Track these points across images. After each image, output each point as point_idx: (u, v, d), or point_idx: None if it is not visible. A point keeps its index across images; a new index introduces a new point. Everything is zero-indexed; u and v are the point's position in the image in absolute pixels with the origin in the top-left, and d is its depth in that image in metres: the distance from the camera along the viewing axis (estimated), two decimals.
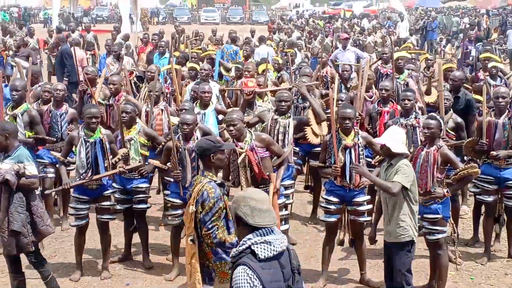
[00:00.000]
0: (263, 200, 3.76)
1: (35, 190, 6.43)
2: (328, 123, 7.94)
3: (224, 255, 5.36)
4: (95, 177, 7.17)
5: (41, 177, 8.53)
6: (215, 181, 5.35)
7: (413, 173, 6.18)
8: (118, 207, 7.87)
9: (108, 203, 7.47)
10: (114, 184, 7.78)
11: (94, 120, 7.23)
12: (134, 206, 7.72)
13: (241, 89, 8.66)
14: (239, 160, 6.70)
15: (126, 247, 7.99)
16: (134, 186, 7.64)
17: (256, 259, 3.63)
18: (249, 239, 3.68)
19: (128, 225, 7.92)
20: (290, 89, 8.97)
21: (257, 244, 3.65)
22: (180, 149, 7.16)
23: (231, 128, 6.69)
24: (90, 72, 9.90)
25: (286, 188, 7.70)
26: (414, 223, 6.18)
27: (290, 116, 7.85)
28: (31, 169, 6.29)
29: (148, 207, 7.84)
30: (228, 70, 12.74)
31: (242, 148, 6.72)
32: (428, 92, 9.99)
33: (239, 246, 3.69)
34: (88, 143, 7.19)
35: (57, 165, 7.82)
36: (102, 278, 7.41)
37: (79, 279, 7.38)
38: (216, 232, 5.23)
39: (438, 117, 6.83)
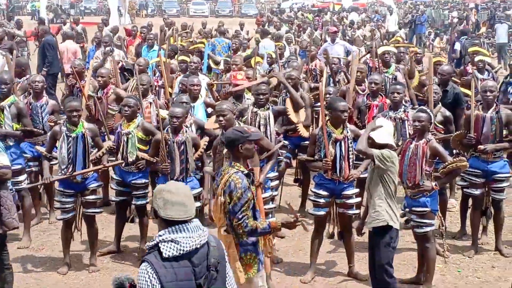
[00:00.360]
0: (178, 193, 3.67)
1: (6, 181, 6.35)
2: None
3: (249, 247, 5.31)
4: (75, 173, 7.12)
5: (28, 171, 8.55)
6: (242, 172, 5.24)
7: (395, 159, 6.19)
8: (113, 198, 7.87)
9: (93, 196, 7.43)
10: (113, 176, 7.76)
11: (75, 113, 7.15)
12: (133, 202, 7.72)
13: (230, 83, 8.66)
14: (226, 150, 6.66)
15: (116, 239, 7.97)
16: (133, 182, 7.62)
17: (161, 257, 3.57)
18: (159, 235, 3.63)
19: (120, 217, 7.90)
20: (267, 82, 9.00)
21: (164, 242, 3.59)
22: (169, 142, 7.14)
23: (221, 118, 6.67)
24: (77, 65, 9.86)
25: (271, 180, 7.69)
26: (392, 211, 6.16)
27: (269, 108, 7.83)
28: (3, 159, 6.22)
29: (147, 202, 7.83)
30: (217, 63, 12.74)
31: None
32: (411, 75, 10.04)
33: (151, 241, 3.66)
34: (70, 138, 7.14)
35: (41, 159, 7.75)
36: (90, 271, 7.39)
37: (67, 272, 7.36)
38: (247, 221, 5.14)
39: (428, 110, 6.85)
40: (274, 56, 12.76)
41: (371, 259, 6.40)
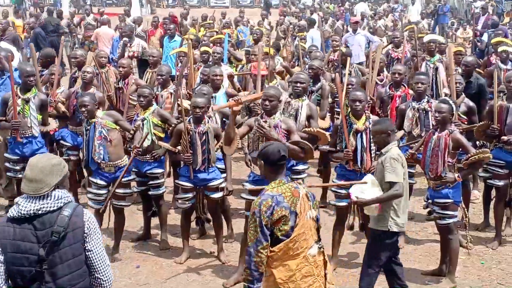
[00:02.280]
0: (34, 169, 3.89)
1: None
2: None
3: None
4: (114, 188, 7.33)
5: (65, 159, 8.70)
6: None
7: (403, 163, 6.00)
8: (135, 189, 7.94)
9: (123, 190, 7.49)
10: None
11: (83, 109, 7.30)
12: (150, 192, 7.77)
13: (250, 73, 8.64)
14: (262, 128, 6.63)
15: (145, 227, 8.09)
16: (149, 172, 7.66)
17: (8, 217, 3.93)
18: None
19: (147, 206, 7.97)
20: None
21: (14, 204, 3.94)
22: (191, 132, 7.15)
23: (267, 103, 6.65)
24: (79, 56, 9.95)
25: (298, 173, 7.65)
26: (398, 214, 5.99)
27: (304, 100, 7.79)
28: None
29: (164, 191, 7.87)
30: (239, 60, 12.70)
31: (266, 122, 6.68)
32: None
33: None
34: (87, 131, 7.34)
35: (80, 148, 7.93)
36: (113, 260, 7.43)
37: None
38: None
39: (450, 101, 6.77)
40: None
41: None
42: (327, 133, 7.49)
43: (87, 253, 3.99)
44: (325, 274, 4.78)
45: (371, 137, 6.64)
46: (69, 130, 8.84)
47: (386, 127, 6.07)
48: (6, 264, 3.87)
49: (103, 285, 4.08)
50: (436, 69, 10.03)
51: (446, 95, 9.05)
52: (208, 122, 7.25)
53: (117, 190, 7.37)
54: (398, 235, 6.18)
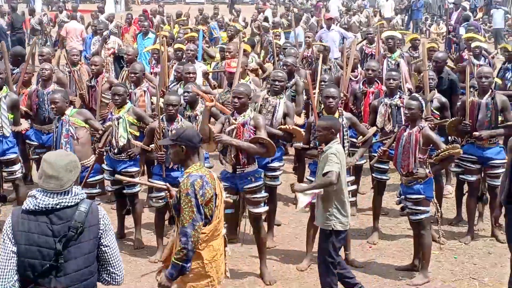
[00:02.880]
0: (54, 166, 3.88)
1: None
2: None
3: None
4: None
5: (35, 158, 8.69)
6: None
7: (342, 160, 6.09)
8: (109, 188, 7.90)
9: (93, 190, 7.46)
10: (104, 166, 7.77)
11: (53, 106, 7.28)
12: (124, 190, 7.73)
13: (224, 70, 8.62)
14: (228, 129, 6.64)
15: (119, 226, 8.03)
16: (124, 170, 7.61)
17: (23, 209, 3.89)
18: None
19: (121, 205, 7.92)
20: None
21: (29, 197, 3.92)
22: (164, 131, 7.12)
23: (236, 100, 6.64)
24: (46, 53, 9.88)
25: (273, 170, 7.66)
26: (342, 212, 6.08)
27: (282, 97, 7.79)
28: None
29: (138, 190, 7.82)
30: (212, 57, 12.67)
31: (235, 120, 6.67)
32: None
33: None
34: (56, 128, 7.31)
35: (48, 147, 7.84)
36: None
37: None
38: None
39: (420, 98, 6.82)
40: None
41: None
42: (302, 130, 7.50)
43: (104, 248, 4.01)
44: (225, 251, 5.02)
45: (315, 131, 6.63)
46: (33, 128, 8.74)
47: (332, 124, 6.15)
48: (19, 256, 3.83)
49: (116, 280, 4.12)
50: (398, 65, 10.08)
51: (409, 90, 9.09)
52: (181, 120, 7.22)
53: (85, 190, 7.30)
54: (344, 234, 6.25)
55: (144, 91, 8.61)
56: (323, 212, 6.12)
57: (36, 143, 8.75)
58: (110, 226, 4.07)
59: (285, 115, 7.71)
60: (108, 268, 4.08)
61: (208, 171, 4.86)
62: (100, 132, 7.44)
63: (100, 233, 3.99)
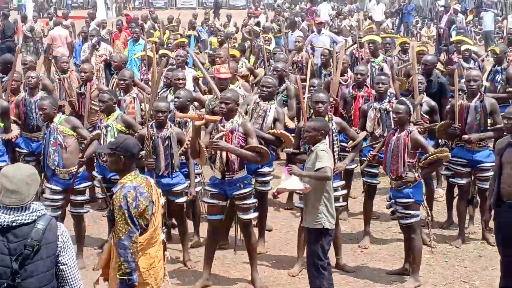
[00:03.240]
0: (14, 180, 3.84)
1: None
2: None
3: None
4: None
5: None
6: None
7: (330, 157, 6.24)
8: (99, 195, 7.86)
9: (80, 198, 7.43)
10: (94, 173, 7.75)
11: (41, 112, 7.24)
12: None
13: (213, 76, 8.60)
14: (216, 136, 6.63)
15: (110, 234, 7.95)
16: (114, 177, 7.58)
17: None
18: None
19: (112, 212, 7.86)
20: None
21: None
22: (154, 137, 7.11)
23: (223, 105, 6.63)
24: (29, 61, 9.86)
25: (264, 175, 7.66)
26: (330, 211, 6.17)
27: (273, 103, 7.78)
28: None
29: None
30: (201, 63, 12.64)
31: (224, 127, 6.66)
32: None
33: None
34: (45, 135, 7.28)
35: (37, 154, 7.83)
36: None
37: None
38: None
39: (407, 102, 6.83)
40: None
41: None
42: (291, 136, 7.50)
43: (61, 266, 3.96)
44: (164, 255, 5.06)
45: (305, 132, 6.63)
46: (23, 136, 8.70)
47: (322, 126, 6.28)
48: None
49: None
50: (381, 69, 10.08)
51: (390, 94, 9.06)
52: (171, 127, 7.21)
53: (73, 197, 7.30)
54: (332, 234, 6.33)
55: (134, 98, 8.59)
56: (313, 210, 6.16)
57: (26, 151, 8.72)
58: (69, 243, 4.01)
59: (275, 120, 7.71)
60: (65, 286, 4.02)
61: (145, 179, 4.87)
62: (88, 140, 7.40)
63: (58, 251, 3.94)
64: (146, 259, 4.80)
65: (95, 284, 5.07)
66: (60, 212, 7.31)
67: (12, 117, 8.59)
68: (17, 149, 8.78)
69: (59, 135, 7.18)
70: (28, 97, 8.66)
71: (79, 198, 7.41)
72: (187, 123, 7.63)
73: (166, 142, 7.11)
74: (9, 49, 17.32)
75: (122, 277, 4.66)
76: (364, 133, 7.68)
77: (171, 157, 7.14)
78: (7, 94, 8.80)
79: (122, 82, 8.62)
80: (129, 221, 4.63)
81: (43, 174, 7.52)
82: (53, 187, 7.30)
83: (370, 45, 10.61)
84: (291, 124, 8.57)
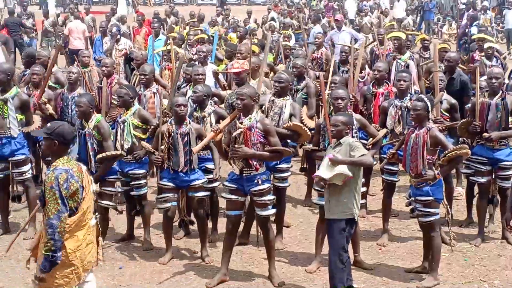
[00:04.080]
0: None
1: None
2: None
3: None
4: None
5: (47, 160, 8.73)
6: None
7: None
8: (119, 189, 7.92)
9: (110, 188, 7.48)
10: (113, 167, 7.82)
11: (77, 109, 7.30)
12: (132, 192, 7.76)
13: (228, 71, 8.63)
14: (234, 133, 6.65)
15: (128, 227, 8.06)
16: (131, 173, 7.64)
17: None
18: None
19: (130, 206, 7.94)
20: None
21: None
22: (173, 134, 7.13)
23: (238, 101, 6.62)
24: (43, 56, 9.90)
25: (282, 171, 7.65)
26: (357, 202, 6.31)
27: (288, 99, 7.78)
28: None
29: (146, 192, 7.85)
30: (220, 59, 12.66)
31: (242, 123, 6.66)
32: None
33: None
34: (79, 133, 7.29)
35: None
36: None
37: None
38: None
39: (425, 99, 6.78)
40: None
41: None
42: (304, 127, 7.53)
43: None
44: (98, 241, 5.25)
45: (324, 133, 6.77)
46: None
47: (351, 121, 6.45)
48: None
49: None
50: (407, 67, 10.02)
51: (416, 92, 9.03)
52: (190, 123, 7.21)
53: (103, 188, 7.37)
54: (355, 221, 6.42)
55: (154, 93, 8.63)
56: (343, 201, 6.20)
57: None
58: None
59: (291, 116, 7.71)
60: None
61: (77, 164, 5.08)
62: (109, 154, 7.29)
63: None
64: (74, 241, 4.99)
65: (27, 264, 5.31)
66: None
67: (51, 110, 8.65)
68: None
69: (94, 141, 7.25)
70: (67, 92, 8.71)
71: (109, 189, 7.46)
72: (205, 118, 7.63)
73: (186, 139, 7.13)
74: (14, 43, 17.50)
75: (46, 253, 4.85)
76: (384, 130, 7.65)
77: (190, 154, 7.15)
78: (42, 88, 8.80)
79: (142, 77, 8.68)
80: (59, 201, 4.83)
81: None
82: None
83: (395, 41, 10.54)
84: (311, 123, 8.54)
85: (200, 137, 7.21)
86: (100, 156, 7.24)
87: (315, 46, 12.48)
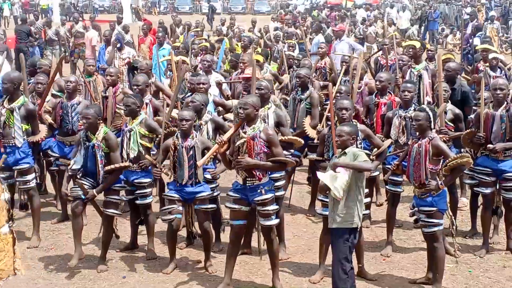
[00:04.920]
0: None
1: None
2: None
3: None
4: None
5: (54, 169, 8.89)
6: None
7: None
8: (124, 198, 7.92)
9: (115, 197, 7.46)
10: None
11: (84, 121, 7.25)
12: (137, 201, 7.76)
13: (240, 81, 8.63)
14: (238, 143, 6.65)
15: (132, 236, 8.04)
16: (136, 181, 7.64)
17: None
18: None
19: (134, 215, 7.94)
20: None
21: None
22: (178, 147, 7.12)
23: (241, 111, 6.62)
24: (44, 65, 9.91)
25: (275, 180, 7.62)
26: (360, 212, 6.30)
27: (270, 107, 7.77)
28: None
29: (151, 201, 7.84)
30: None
31: (245, 133, 6.66)
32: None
33: None
34: (85, 145, 7.27)
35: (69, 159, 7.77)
36: (99, 270, 7.39)
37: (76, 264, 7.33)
38: None
39: (427, 109, 6.79)
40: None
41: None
42: (299, 139, 7.64)
43: None
44: (14, 250, 5.11)
45: (329, 143, 6.76)
46: (56, 140, 8.77)
47: (354, 131, 6.43)
48: None
49: None
50: (420, 76, 10.01)
51: (428, 103, 9.04)
52: (196, 136, 7.21)
53: (108, 196, 7.37)
54: (358, 230, 6.41)
55: (146, 103, 8.58)
56: (346, 210, 6.21)
57: (57, 155, 8.73)
58: None
59: (278, 124, 7.71)
60: None
61: None
62: (117, 166, 7.30)
63: None
64: None
65: None
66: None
67: (49, 120, 8.66)
68: (49, 152, 8.81)
69: (103, 153, 7.24)
70: (66, 100, 8.73)
71: (114, 197, 7.45)
72: (201, 126, 7.55)
73: (191, 152, 7.11)
74: (19, 50, 17.57)
75: None
76: (389, 141, 7.64)
77: (195, 167, 7.14)
78: (43, 97, 8.81)
79: (135, 87, 8.58)
80: None
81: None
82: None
83: (410, 50, 10.50)
84: (312, 133, 8.54)
85: (206, 149, 7.15)
86: (109, 167, 7.24)
87: (318, 56, 12.50)
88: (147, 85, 8.85)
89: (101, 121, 7.42)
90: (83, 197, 7.27)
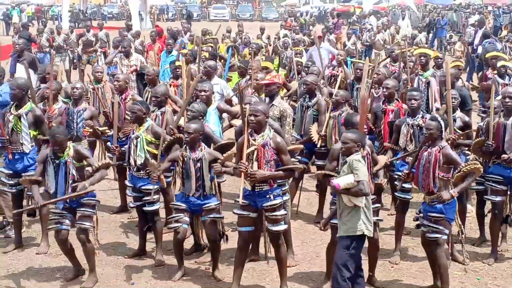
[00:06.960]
0: None
1: None
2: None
3: None
4: (53, 200, 7.04)
5: None
6: None
7: (365, 167, 6.27)
8: (131, 204, 7.94)
9: (88, 209, 7.16)
10: (126, 182, 7.91)
11: (53, 140, 6.99)
12: (145, 208, 7.75)
13: (243, 88, 8.66)
14: (248, 150, 6.64)
15: (141, 243, 8.03)
16: (143, 188, 7.65)
17: None
18: None
19: (142, 222, 7.94)
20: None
21: None
22: (186, 159, 7.12)
23: (252, 118, 6.62)
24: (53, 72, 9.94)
25: (279, 185, 7.57)
26: (368, 218, 6.26)
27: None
28: None
29: (158, 208, 7.83)
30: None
31: (255, 141, 6.67)
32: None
33: None
34: (54, 164, 7.04)
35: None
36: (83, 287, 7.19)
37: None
38: None
39: (439, 118, 6.78)
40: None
41: None
42: (298, 145, 7.78)
43: None
44: None
45: (342, 143, 6.49)
46: None
47: (360, 139, 6.34)
48: None
49: None
50: (428, 83, 9.99)
51: (437, 109, 9.02)
52: (204, 148, 7.19)
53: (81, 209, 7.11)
54: (365, 238, 6.37)
55: (156, 115, 8.50)
56: (351, 219, 6.19)
57: None
58: None
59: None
60: None
61: None
62: (95, 168, 7.10)
63: None
64: None
65: None
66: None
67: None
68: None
69: (73, 169, 7.01)
70: (72, 107, 8.75)
71: (87, 209, 7.16)
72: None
73: (198, 164, 7.09)
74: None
75: None
76: (385, 158, 7.55)
77: (202, 179, 7.13)
78: (50, 103, 8.81)
79: (154, 98, 8.49)
80: None
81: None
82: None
83: (422, 58, 10.49)
84: (315, 136, 8.58)
85: (215, 161, 7.09)
86: (96, 166, 7.06)
87: (336, 62, 12.47)
88: (165, 96, 8.65)
89: (70, 140, 7.25)
90: (62, 227, 7.10)
